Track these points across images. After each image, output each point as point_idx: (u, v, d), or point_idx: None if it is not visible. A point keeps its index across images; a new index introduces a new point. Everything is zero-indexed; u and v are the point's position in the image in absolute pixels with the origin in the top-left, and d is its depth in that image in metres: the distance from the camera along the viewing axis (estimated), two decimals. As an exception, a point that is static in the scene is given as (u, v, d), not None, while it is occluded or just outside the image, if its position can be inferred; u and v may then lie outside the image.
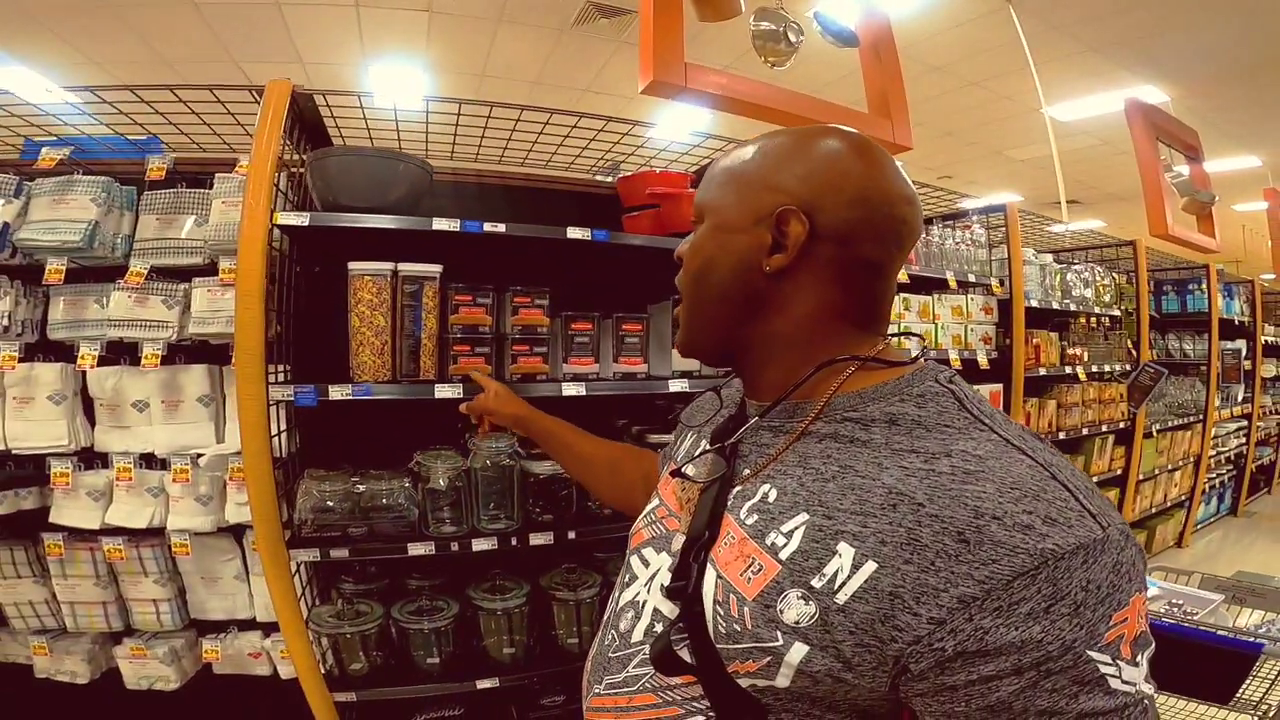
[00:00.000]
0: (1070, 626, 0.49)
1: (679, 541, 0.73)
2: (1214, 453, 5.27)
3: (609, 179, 2.64)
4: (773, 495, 0.65)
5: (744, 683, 0.61)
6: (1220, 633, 1.64)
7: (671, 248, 1.99)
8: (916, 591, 0.52)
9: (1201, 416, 4.95)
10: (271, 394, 1.56)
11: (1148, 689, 0.52)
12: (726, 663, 0.62)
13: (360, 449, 1.92)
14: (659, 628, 0.70)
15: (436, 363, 1.75)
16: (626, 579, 0.81)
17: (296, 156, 1.87)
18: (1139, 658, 0.52)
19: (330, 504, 1.71)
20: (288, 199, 1.79)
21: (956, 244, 3.07)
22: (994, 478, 0.54)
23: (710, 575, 0.65)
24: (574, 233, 1.88)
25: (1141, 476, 4.23)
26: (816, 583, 0.57)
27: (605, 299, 2.09)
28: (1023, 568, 0.50)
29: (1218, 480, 5.57)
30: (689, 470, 0.79)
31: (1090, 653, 0.50)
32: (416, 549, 1.79)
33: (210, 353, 1.91)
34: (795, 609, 0.58)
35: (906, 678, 0.54)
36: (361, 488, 1.73)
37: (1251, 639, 1.58)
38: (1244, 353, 5.63)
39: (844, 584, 0.56)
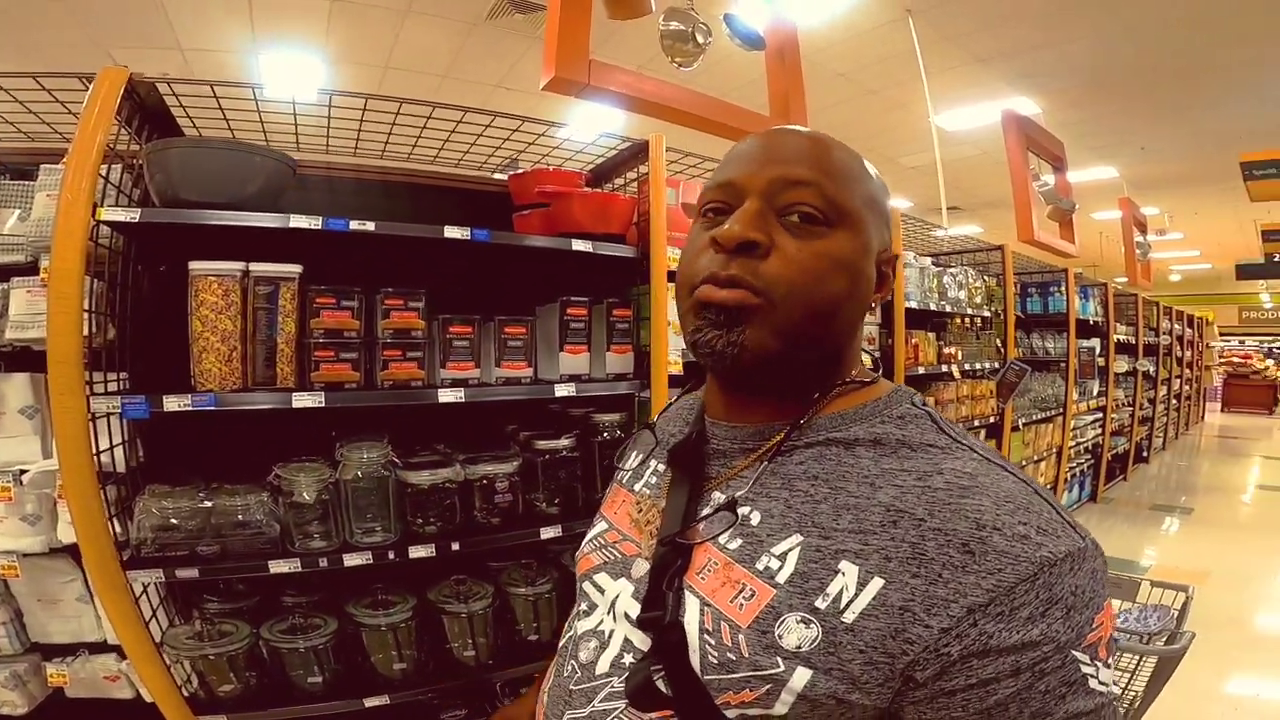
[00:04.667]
0: (1063, 629, 0.51)
1: (640, 567, 0.68)
2: (1074, 444, 5.55)
3: (505, 176, 2.50)
4: (756, 518, 0.62)
5: (733, 714, 0.57)
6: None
7: (561, 248, 1.94)
8: (927, 604, 0.52)
9: (1061, 410, 5.22)
10: (95, 406, 1.36)
11: (1116, 691, 0.54)
12: (716, 694, 0.58)
13: (214, 461, 1.72)
14: (629, 659, 0.64)
15: (296, 369, 1.58)
16: (584, 608, 0.73)
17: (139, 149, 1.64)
18: (1110, 660, 0.54)
19: (175, 522, 1.52)
20: (124, 194, 1.57)
21: (843, 248, 3.08)
22: (988, 493, 0.55)
23: (693, 603, 0.61)
24: (452, 232, 1.74)
25: (1010, 467, 4.41)
26: (820, 603, 0.55)
27: (490, 301, 1.96)
28: (1024, 574, 0.51)
29: (1078, 469, 5.86)
30: (642, 489, 0.76)
31: (1075, 653, 0.51)
32: (280, 566, 1.63)
33: (34, 360, 1.66)
34: (796, 633, 0.55)
35: (909, 687, 0.53)
36: (210, 503, 1.55)
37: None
38: (1098, 350, 6.01)
39: (851, 602, 0.54)
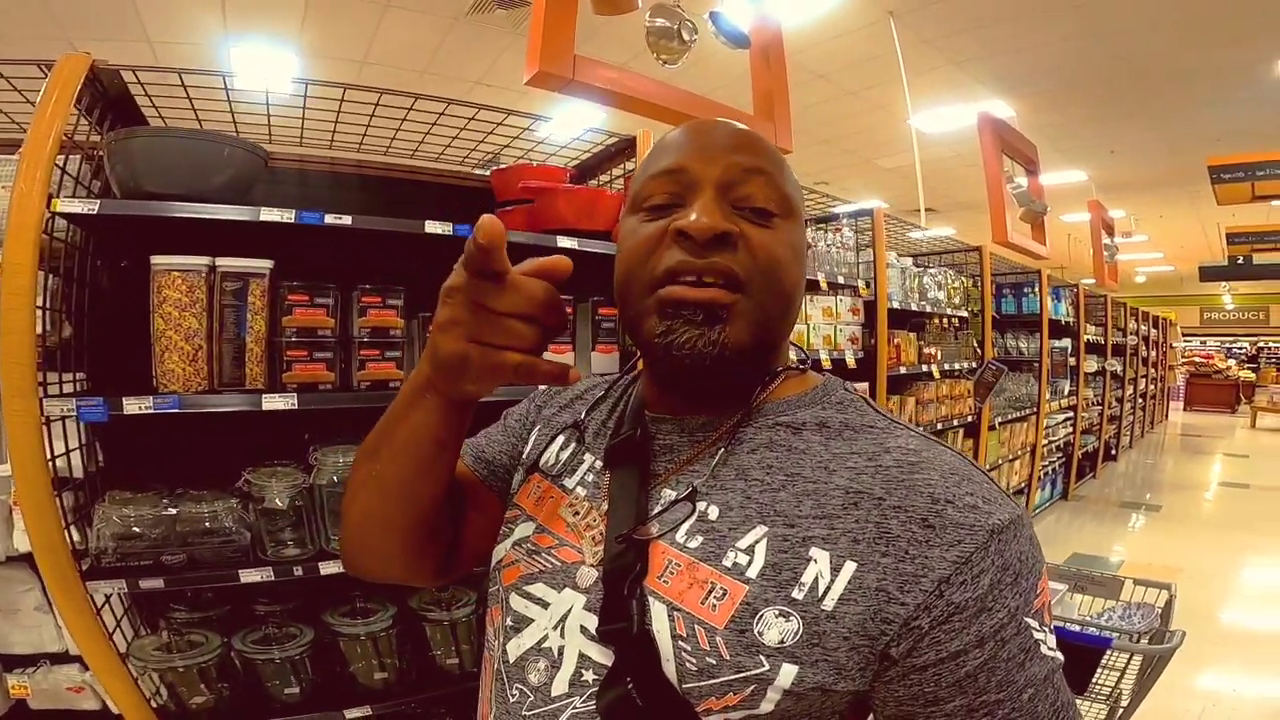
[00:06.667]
0: (1013, 595, 0.51)
1: (588, 575, 0.62)
2: (1046, 442, 5.58)
3: (486, 172, 2.42)
4: (714, 513, 0.59)
5: None
6: (1070, 628, 1.65)
7: (546, 245, 1.88)
8: (899, 581, 0.52)
9: (1035, 409, 5.24)
10: (49, 408, 1.27)
11: (1061, 658, 0.54)
12: (697, 702, 0.54)
13: (179, 466, 1.63)
14: (590, 676, 0.58)
15: (266, 370, 1.50)
16: (510, 623, 0.65)
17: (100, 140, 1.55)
18: (1051, 624, 0.55)
19: (137, 530, 1.43)
20: (83, 186, 1.47)
21: (828, 246, 3.05)
22: (934, 466, 0.56)
23: (659, 609, 0.57)
24: (434, 227, 1.66)
25: (987, 467, 4.41)
26: (797, 594, 0.53)
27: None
28: (979, 543, 0.52)
29: (1050, 468, 5.89)
30: (577, 488, 0.69)
31: (1027, 619, 0.52)
32: (252, 575, 1.54)
33: (-15, 359, 1.55)
34: (776, 628, 0.53)
35: (884, 666, 0.52)
36: (175, 510, 1.46)
37: (1099, 633, 1.59)
38: (1069, 350, 6.07)
39: (828, 589, 0.53)
